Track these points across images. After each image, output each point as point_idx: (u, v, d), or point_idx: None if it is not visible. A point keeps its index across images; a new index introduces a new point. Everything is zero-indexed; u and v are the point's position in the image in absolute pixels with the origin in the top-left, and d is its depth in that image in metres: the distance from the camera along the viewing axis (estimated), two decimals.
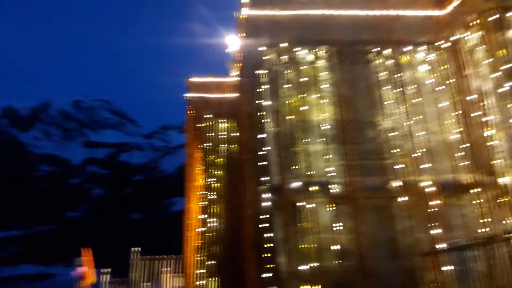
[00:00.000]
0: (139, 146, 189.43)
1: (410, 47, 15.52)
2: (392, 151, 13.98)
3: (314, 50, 15.08)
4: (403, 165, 13.55)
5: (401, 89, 14.90)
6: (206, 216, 12.97)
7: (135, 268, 10.34)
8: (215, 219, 15.92)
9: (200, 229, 11.21)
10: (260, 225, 12.03)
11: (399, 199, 13.25)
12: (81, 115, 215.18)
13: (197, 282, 9.51)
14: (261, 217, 12.13)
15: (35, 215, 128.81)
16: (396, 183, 13.34)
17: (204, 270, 11.18)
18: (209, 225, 13.93)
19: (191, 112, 17.56)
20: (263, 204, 12.36)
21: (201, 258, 12.69)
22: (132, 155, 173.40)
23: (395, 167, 13.72)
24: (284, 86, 14.58)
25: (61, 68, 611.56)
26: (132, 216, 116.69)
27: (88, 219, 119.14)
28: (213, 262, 14.39)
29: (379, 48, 15.43)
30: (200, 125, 17.40)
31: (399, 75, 15.13)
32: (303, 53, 15.11)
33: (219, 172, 17.02)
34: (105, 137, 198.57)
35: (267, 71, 14.64)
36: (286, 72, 14.82)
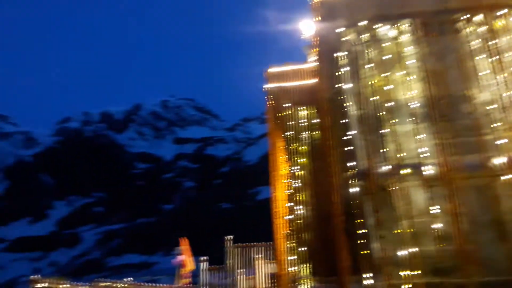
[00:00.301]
0: (222, 139, 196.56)
1: (505, 10, 13.93)
2: (492, 126, 12.75)
3: (396, 25, 14.25)
4: (506, 140, 12.30)
5: (497, 57, 13.47)
6: (292, 204, 13.08)
7: (230, 255, 10.79)
8: (302, 207, 15.99)
9: (288, 217, 11.35)
10: (350, 211, 11.83)
11: (503, 177, 12.08)
12: (169, 114, 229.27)
13: (289, 269, 9.65)
14: (350, 203, 11.91)
15: (136, 209, 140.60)
16: (498, 160, 12.18)
17: (295, 257, 11.30)
18: (296, 212, 14.04)
19: (271, 102, 17.67)
20: (351, 190, 12.11)
21: (292, 245, 12.85)
22: (217, 148, 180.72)
23: (496, 142, 12.50)
24: (366, 67, 14.03)
25: (148, 70, 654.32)
26: (223, 206, 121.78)
27: (182, 210, 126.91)
28: (303, 248, 14.48)
29: (468, 15, 14.08)
30: (280, 114, 17.46)
31: (494, 42, 13.68)
32: (385, 30, 14.36)
33: (303, 160, 16.97)
34: (192, 133, 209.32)
35: (346, 52, 14.20)
36: (366, 51, 14.23)
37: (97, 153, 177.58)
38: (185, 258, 13.59)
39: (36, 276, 7.22)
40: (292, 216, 11.99)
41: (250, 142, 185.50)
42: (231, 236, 11.11)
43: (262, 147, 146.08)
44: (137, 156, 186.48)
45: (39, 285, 7.06)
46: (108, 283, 7.65)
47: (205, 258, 11.24)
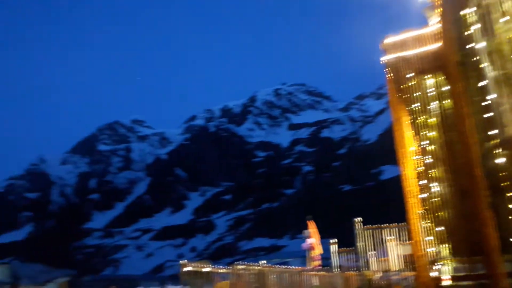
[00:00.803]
0: (337, 120, 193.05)
1: None
2: None
3: None
4: None
5: None
6: (426, 181, 12.07)
7: (360, 237, 10.47)
8: (436, 184, 14.64)
9: (422, 195, 10.48)
10: (496, 185, 10.44)
11: None
12: (282, 102, 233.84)
13: (427, 249, 8.94)
14: (495, 175, 10.52)
15: (261, 195, 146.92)
16: None
17: (432, 237, 10.44)
18: (432, 190, 12.89)
19: (391, 74, 16.51)
20: (495, 161, 10.66)
21: (428, 224, 11.92)
22: (332, 130, 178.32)
23: None
24: (501, 20, 12.19)
25: (260, 61, 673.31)
26: (344, 188, 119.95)
27: (303, 194, 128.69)
28: (441, 228, 13.30)
29: None
30: (403, 86, 16.17)
31: None
32: None
33: (432, 133, 15.47)
34: (306, 118, 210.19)
35: (474, 8, 12.51)
36: (500, 3, 12.35)
37: (221, 145, 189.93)
38: (314, 241, 13.64)
39: (184, 260, 7.94)
40: (427, 195, 11.04)
41: (367, 120, 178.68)
42: (360, 218, 10.75)
43: (381, 124, 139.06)
44: (257, 145, 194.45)
45: (186, 268, 7.74)
46: (244, 266, 8.02)
47: (334, 240, 11.09)
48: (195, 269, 7.42)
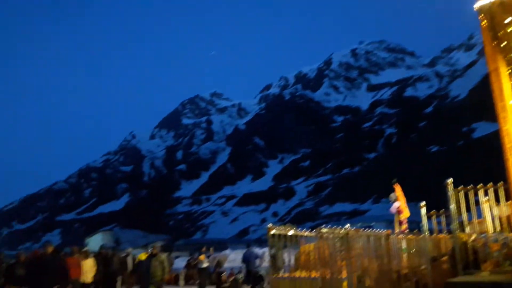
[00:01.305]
0: (422, 77, 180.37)
1: None
2: None
3: None
4: None
5: None
6: None
7: (453, 199, 9.68)
8: None
9: None
10: None
11: None
12: (359, 62, 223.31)
13: None
14: None
15: (340, 160, 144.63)
16: None
17: None
18: None
19: (485, 21, 14.62)
20: None
21: None
22: (417, 88, 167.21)
23: None
24: None
25: (335, 22, 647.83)
26: (432, 149, 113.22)
27: (387, 157, 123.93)
28: None
29: None
30: (500, 33, 14.25)
31: None
32: None
33: None
34: (387, 77, 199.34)
35: None
36: None
37: (298, 112, 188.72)
38: (401, 204, 13.01)
39: (269, 224, 7.98)
40: None
41: (455, 75, 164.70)
42: (451, 179, 9.91)
43: (472, 78, 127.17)
44: (334, 110, 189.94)
45: (273, 231, 7.77)
46: (328, 230, 7.84)
47: (423, 203, 10.42)
48: (280, 232, 7.52)
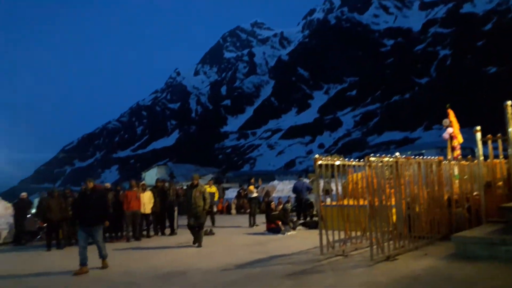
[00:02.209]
0: None
1: None
2: None
3: None
4: None
5: None
6: None
7: (509, 122, 9.09)
8: None
9: None
10: None
11: None
12: None
13: None
14: None
15: (389, 87, 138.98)
16: None
17: None
18: None
19: None
20: None
21: None
22: (475, 4, 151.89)
23: None
24: None
25: None
26: (490, 71, 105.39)
27: (440, 81, 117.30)
28: None
29: None
30: None
31: None
32: None
33: None
34: None
35: None
36: None
37: (344, 38, 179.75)
38: (454, 130, 12.43)
39: (317, 155, 7.96)
40: None
41: None
42: (510, 102, 9.23)
43: None
44: (384, 33, 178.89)
45: (319, 162, 7.77)
46: (377, 158, 7.71)
47: (478, 128, 9.88)
48: (327, 162, 7.52)
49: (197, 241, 9.89)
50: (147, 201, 12.14)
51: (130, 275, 6.81)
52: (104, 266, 7.55)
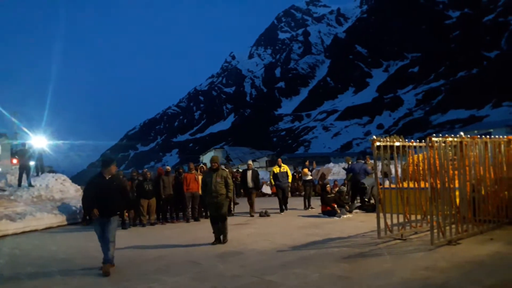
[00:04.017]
0: None
1: None
2: None
3: None
4: None
5: None
6: None
7: None
8: None
9: None
10: None
11: None
12: None
13: None
14: None
15: (455, 62, 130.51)
16: None
17: None
18: None
19: None
20: None
21: None
22: None
23: None
24: None
25: None
26: None
27: (511, 54, 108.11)
28: None
29: None
30: None
31: None
32: None
33: None
34: None
35: None
36: None
37: (405, 11, 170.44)
38: None
39: (374, 136, 7.73)
40: None
41: None
42: None
43: None
44: (449, 4, 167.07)
45: (378, 143, 7.54)
46: (440, 139, 7.33)
47: None
48: (386, 143, 7.24)
49: (222, 237, 8.09)
50: None
51: (190, 254, 7.12)
52: (105, 273, 5.95)
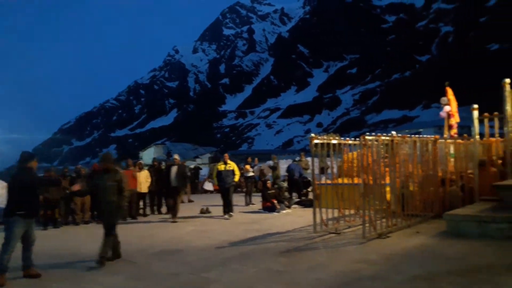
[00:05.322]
0: None
1: None
2: None
3: None
4: None
5: None
6: None
7: (508, 100, 9.08)
8: None
9: None
10: None
11: None
12: None
13: None
14: None
15: (390, 65, 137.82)
16: None
17: None
18: None
19: None
20: None
21: None
22: None
23: None
24: None
25: None
26: (492, 48, 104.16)
27: (441, 59, 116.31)
28: None
29: None
30: None
31: None
32: None
33: None
34: None
35: None
36: None
37: (345, 14, 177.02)
38: (452, 108, 12.42)
39: (313, 134, 7.98)
40: None
41: None
42: (508, 80, 9.19)
43: None
44: (386, 8, 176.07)
45: (315, 141, 7.78)
46: (373, 137, 7.72)
47: (475, 106, 9.87)
48: (323, 141, 7.52)
49: (104, 255, 6.22)
50: (143, 180, 12.19)
51: (125, 253, 6.90)
52: (36, 275, 5.58)
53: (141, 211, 12.54)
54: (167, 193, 11.56)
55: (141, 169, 12.51)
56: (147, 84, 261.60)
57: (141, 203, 12.69)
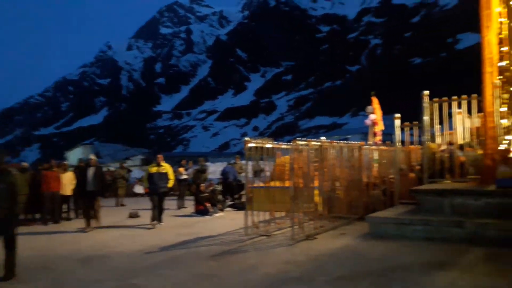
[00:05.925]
0: None
1: None
2: None
3: None
4: None
5: None
6: (507, 48, 10.43)
7: (427, 111, 9.88)
8: None
9: (501, 63, 9.24)
10: None
11: None
12: None
13: (501, 121, 8.21)
14: None
15: (323, 73, 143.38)
16: None
17: (506, 108, 9.53)
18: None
19: None
20: None
21: (504, 95, 10.75)
22: None
23: None
24: None
25: None
26: (415, 61, 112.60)
27: (369, 69, 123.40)
28: None
29: None
30: None
31: None
32: None
33: None
34: None
35: None
36: None
37: (282, 21, 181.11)
38: (376, 116, 13.22)
39: (247, 138, 8.09)
40: (506, 63, 9.65)
41: None
42: (427, 92, 10.01)
43: None
44: (321, 19, 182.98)
45: (250, 144, 7.88)
46: (304, 142, 8.01)
47: (398, 115, 10.59)
48: (258, 145, 7.67)
49: (12, 267, 5.45)
50: (67, 182, 11.50)
51: (46, 259, 6.46)
52: None
53: (64, 215, 11.83)
54: (83, 198, 10.40)
55: (65, 170, 11.82)
56: (76, 80, 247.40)
57: (64, 207, 11.97)
